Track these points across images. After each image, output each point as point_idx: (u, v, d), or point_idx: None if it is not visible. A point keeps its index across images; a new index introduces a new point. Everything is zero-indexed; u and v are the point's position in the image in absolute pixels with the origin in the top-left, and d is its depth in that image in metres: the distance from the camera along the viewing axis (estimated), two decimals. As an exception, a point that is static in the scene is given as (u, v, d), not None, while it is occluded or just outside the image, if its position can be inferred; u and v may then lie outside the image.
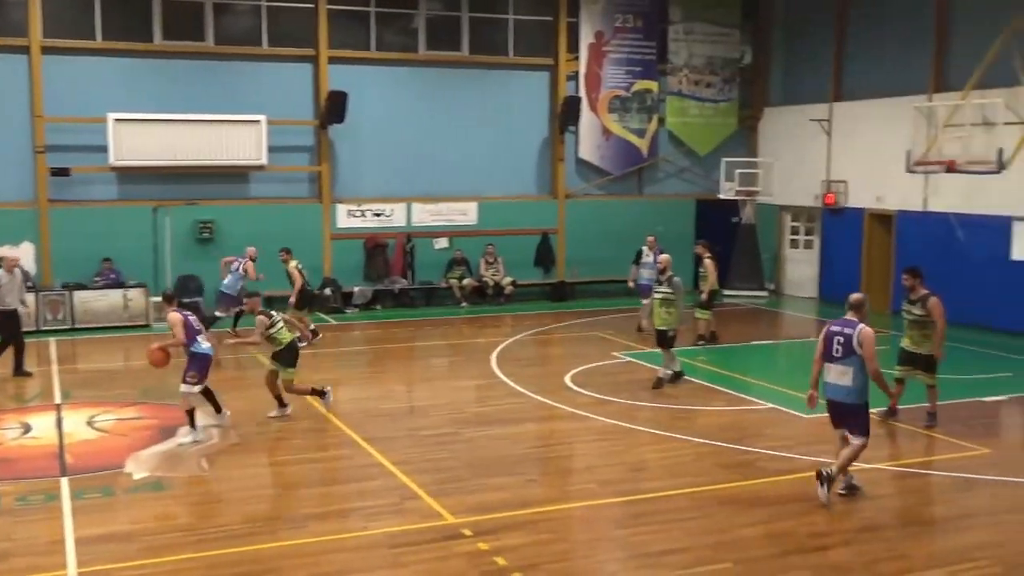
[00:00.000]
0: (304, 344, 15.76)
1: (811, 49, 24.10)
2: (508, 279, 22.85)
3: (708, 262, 17.56)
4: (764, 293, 24.12)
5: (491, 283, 22.72)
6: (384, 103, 22.36)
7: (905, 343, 12.56)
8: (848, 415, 9.57)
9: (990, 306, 18.86)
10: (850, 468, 9.73)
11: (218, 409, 12.19)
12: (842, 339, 9.43)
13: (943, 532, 9.10)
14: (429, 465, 10.90)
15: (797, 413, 13.04)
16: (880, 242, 22.15)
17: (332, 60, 21.70)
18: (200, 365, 11.79)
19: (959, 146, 17.02)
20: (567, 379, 14.96)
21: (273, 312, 12.89)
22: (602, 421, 12.68)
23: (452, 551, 8.42)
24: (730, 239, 24.57)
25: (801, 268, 24.58)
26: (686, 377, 14.84)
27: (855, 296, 9.79)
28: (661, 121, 24.80)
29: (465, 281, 22.50)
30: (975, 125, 16.94)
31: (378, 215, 22.50)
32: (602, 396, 13.95)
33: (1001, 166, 16.55)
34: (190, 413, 11.75)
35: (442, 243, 22.86)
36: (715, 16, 24.90)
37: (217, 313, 17.71)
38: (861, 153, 22.46)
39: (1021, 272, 18.58)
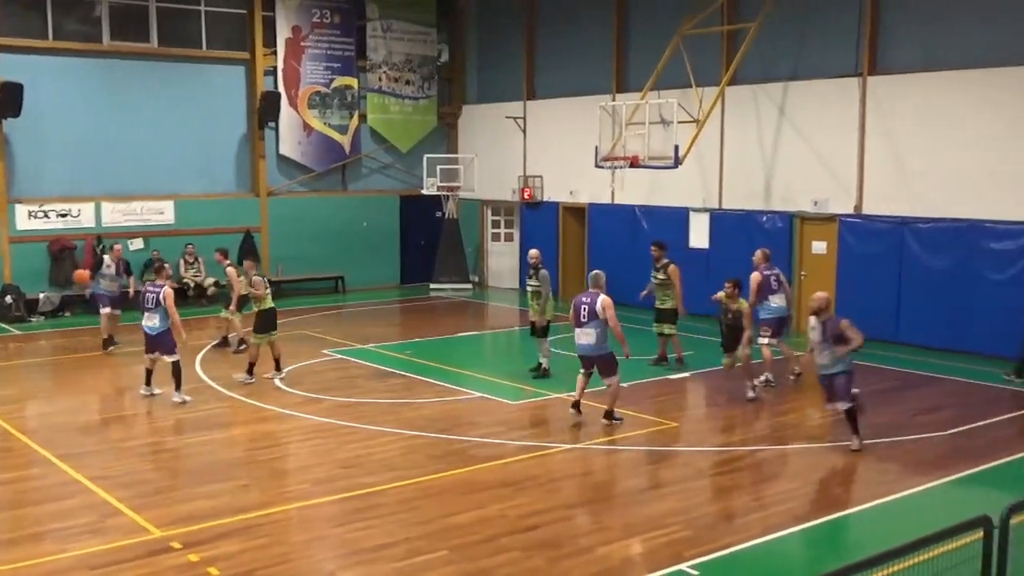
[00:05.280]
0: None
1: (504, 49, 25.01)
2: (210, 279, 22.06)
3: (230, 270, 16.64)
4: (468, 285, 24.78)
5: (192, 284, 21.86)
6: (66, 96, 20.92)
7: (656, 303, 15.51)
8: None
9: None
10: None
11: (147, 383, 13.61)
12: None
13: (639, 503, 9.76)
14: (131, 478, 10.37)
15: (505, 400, 13.55)
16: (574, 233, 23.40)
17: (3, 49, 20.01)
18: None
19: (641, 143, 18.21)
20: (276, 379, 14.68)
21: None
22: (313, 420, 12.57)
23: (160, 566, 8.06)
24: (435, 234, 25.10)
25: (503, 260, 25.48)
26: (391, 370, 14.98)
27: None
28: (363, 118, 24.84)
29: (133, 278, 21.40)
30: (654, 123, 18.17)
31: (64, 216, 21.02)
32: (312, 395, 13.82)
33: (677, 161, 17.89)
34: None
35: (137, 244, 21.69)
36: (412, 14, 25.24)
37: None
38: (554, 149, 23.59)
39: (698, 258, 20.22)
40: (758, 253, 14.50)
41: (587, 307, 11.99)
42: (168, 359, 13.27)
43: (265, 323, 14.57)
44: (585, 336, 12.05)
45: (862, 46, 17.73)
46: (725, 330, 13.95)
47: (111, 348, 16.95)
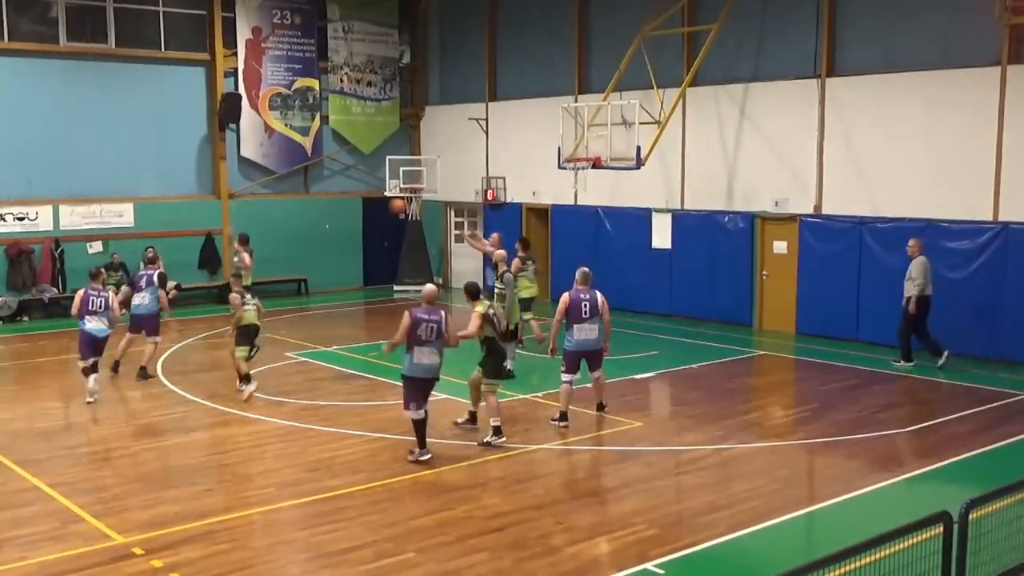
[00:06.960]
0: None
1: (466, 50, 24.99)
2: (171, 283, 21.79)
3: (246, 257, 18.78)
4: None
5: (152, 288, 21.61)
6: (22, 98, 20.63)
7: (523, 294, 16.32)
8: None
9: (634, 290, 20.51)
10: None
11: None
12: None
13: (605, 502, 9.81)
14: (92, 484, 10.24)
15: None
16: (538, 234, 23.41)
17: (-42, 49, 19.77)
18: (79, 339, 13.64)
19: (603, 144, 18.28)
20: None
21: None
22: (277, 423, 12.50)
23: (122, 573, 7.97)
24: (398, 235, 25.01)
25: (466, 262, 25.43)
26: (355, 373, 14.90)
27: None
28: (324, 119, 24.72)
29: (123, 287, 21.21)
30: (616, 125, 18.25)
31: (20, 219, 20.73)
32: (276, 398, 13.73)
33: (640, 162, 17.98)
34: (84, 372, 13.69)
35: (96, 247, 21.43)
36: (373, 15, 25.16)
37: None
38: (517, 151, 23.61)
39: (660, 259, 20.37)
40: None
41: (588, 304, 12.33)
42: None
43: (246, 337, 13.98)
44: (590, 331, 12.42)
45: (820, 48, 17.92)
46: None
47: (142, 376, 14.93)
